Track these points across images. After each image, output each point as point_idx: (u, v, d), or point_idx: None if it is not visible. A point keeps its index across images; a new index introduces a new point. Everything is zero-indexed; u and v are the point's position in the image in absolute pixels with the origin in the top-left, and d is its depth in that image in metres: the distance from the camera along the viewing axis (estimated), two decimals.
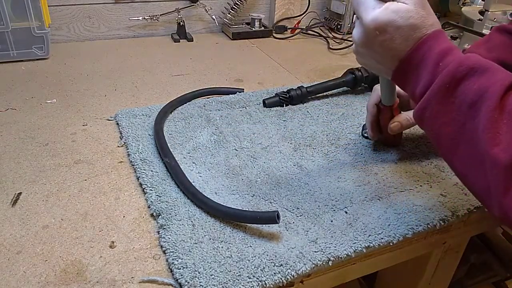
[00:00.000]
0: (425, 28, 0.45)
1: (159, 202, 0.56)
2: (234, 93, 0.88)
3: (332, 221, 0.55)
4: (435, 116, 0.44)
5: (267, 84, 0.97)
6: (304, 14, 1.36)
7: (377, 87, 0.66)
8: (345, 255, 0.50)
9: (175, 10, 1.22)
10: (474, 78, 0.41)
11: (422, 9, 0.45)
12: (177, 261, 0.47)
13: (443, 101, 0.43)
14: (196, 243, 0.50)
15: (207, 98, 0.86)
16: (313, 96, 0.88)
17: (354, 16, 0.55)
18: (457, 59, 0.43)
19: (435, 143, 0.46)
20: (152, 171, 0.62)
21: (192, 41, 1.24)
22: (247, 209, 0.56)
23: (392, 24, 0.44)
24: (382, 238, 0.52)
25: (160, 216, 0.54)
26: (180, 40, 1.23)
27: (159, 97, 0.88)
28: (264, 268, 0.47)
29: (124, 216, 0.55)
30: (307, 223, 0.54)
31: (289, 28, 1.35)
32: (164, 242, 0.50)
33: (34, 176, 0.61)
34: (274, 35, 1.33)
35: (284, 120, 0.79)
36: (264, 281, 0.46)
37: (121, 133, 0.73)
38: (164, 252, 0.49)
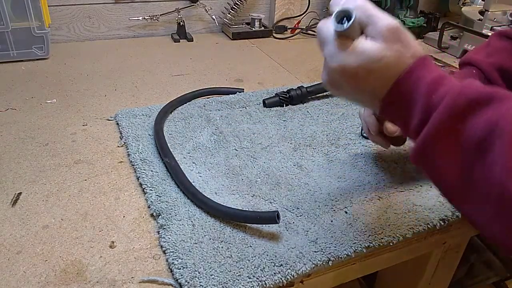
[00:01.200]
0: (404, 62, 0.38)
1: (159, 202, 0.56)
2: (234, 93, 0.88)
3: (332, 221, 0.55)
4: (435, 159, 0.38)
5: (267, 84, 0.97)
6: (304, 14, 1.36)
7: None
8: (345, 255, 0.50)
9: (175, 10, 1.22)
10: (478, 111, 0.35)
11: (395, 42, 0.38)
12: (177, 261, 0.47)
13: (443, 141, 0.37)
14: (196, 243, 0.50)
15: (207, 98, 0.86)
16: (313, 96, 0.88)
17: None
18: (452, 91, 0.37)
19: (438, 188, 0.40)
20: (152, 171, 0.62)
21: (192, 41, 1.24)
22: (247, 209, 0.56)
23: (363, 68, 0.39)
24: (382, 238, 0.52)
25: (160, 216, 0.54)
26: (180, 40, 1.23)
27: (159, 97, 0.88)
28: (264, 268, 0.47)
29: (124, 216, 0.55)
30: (307, 223, 0.54)
31: (289, 28, 1.35)
32: (164, 242, 0.50)
33: (34, 176, 0.61)
34: (274, 35, 1.33)
35: (284, 120, 0.79)
36: (264, 281, 0.46)
37: (121, 133, 0.73)
38: (164, 252, 0.49)
